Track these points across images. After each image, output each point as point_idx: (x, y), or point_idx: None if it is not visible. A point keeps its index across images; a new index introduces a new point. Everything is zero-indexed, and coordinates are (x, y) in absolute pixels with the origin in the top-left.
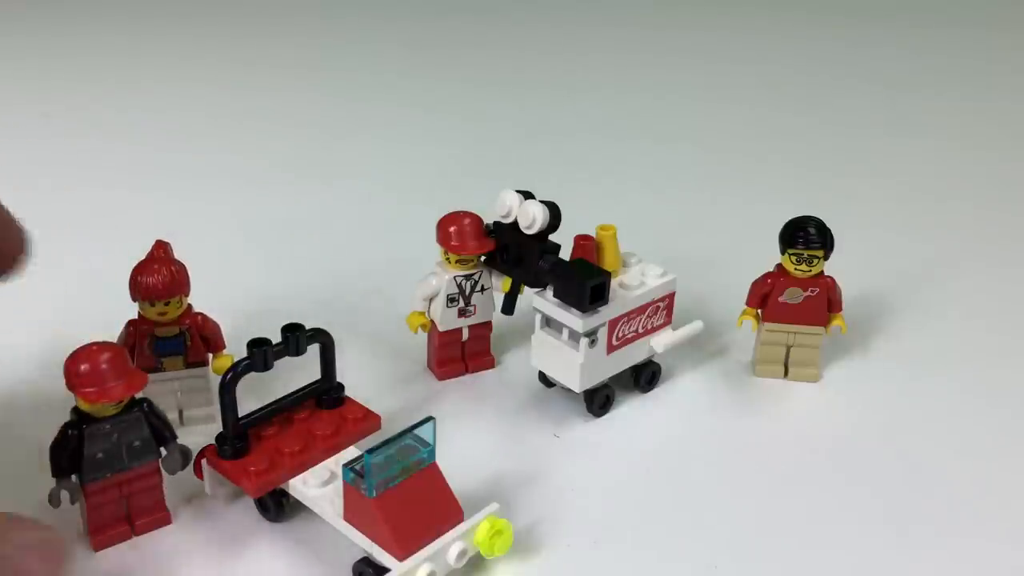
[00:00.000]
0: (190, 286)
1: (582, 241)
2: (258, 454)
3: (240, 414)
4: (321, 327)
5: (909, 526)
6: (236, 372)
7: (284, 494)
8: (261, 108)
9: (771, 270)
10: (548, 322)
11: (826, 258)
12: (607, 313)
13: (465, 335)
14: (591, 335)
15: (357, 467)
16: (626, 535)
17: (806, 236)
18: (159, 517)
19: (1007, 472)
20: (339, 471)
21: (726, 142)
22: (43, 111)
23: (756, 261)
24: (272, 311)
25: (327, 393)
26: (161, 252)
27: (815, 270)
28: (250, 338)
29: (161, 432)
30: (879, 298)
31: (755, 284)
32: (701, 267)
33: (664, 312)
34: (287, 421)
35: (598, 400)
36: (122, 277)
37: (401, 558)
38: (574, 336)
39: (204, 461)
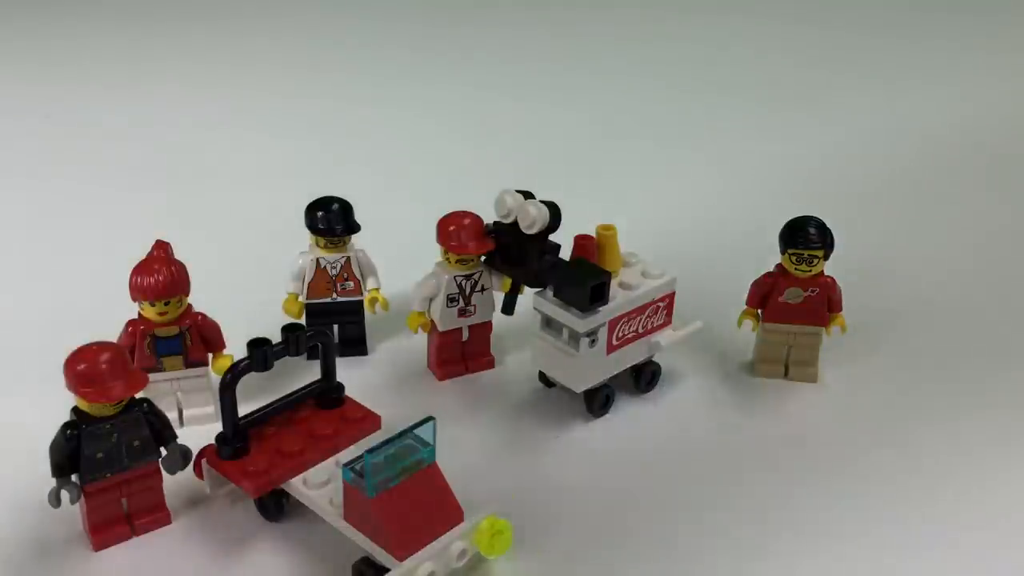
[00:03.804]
0: (190, 286)
1: (582, 241)
2: (258, 454)
3: (240, 414)
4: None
5: (909, 526)
6: (236, 372)
7: (284, 494)
8: (261, 107)
9: (771, 270)
10: (548, 322)
11: (826, 258)
12: (607, 313)
13: (465, 335)
14: (591, 335)
15: (357, 467)
16: (626, 535)
17: (806, 236)
18: (159, 517)
19: (1008, 472)
20: (339, 471)
21: (727, 142)
22: (44, 111)
23: (756, 261)
24: (272, 311)
25: (327, 393)
26: (161, 252)
27: (815, 270)
28: (250, 338)
29: (161, 432)
30: (879, 298)
31: (755, 284)
32: (701, 267)
33: (664, 312)
34: (287, 421)
35: (598, 400)
36: (122, 277)
37: (401, 558)
38: (574, 336)
39: (204, 461)
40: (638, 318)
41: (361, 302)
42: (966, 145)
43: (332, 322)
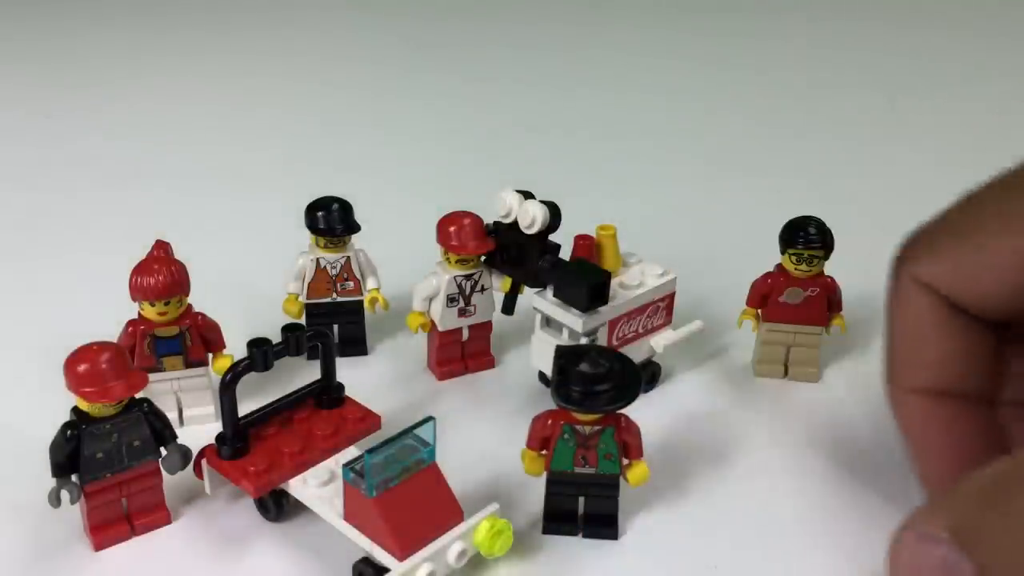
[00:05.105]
0: (190, 286)
1: (582, 241)
2: (258, 454)
3: (240, 414)
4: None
5: None
6: (236, 372)
7: (284, 494)
8: (261, 108)
9: (771, 270)
10: (548, 322)
11: (826, 258)
12: (607, 313)
13: (465, 335)
14: (591, 335)
15: (357, 467)
16: (626, 535)
17: (806, 236)
18: (159, 517)
19: None
20: (339, 471)
21: (727, 142)
22: (44, 111)
23: (756, 261)
24: (272, 311)
25: (327, 393)
26: (161, 252)
27: (815, 270)
28: (250, 338)
29: (161, 432)
30: (879, 298)
31: (755, 284)
32: (701, 267)
33: (664, 312)
34: (287, 421)
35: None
36: (122, 277)
37: (401, 558)
38: (574, 336)
39: (204, 461)
40: (638, 318)
41: (361, 302)
42: (967, 146)
43: (332, 322)
